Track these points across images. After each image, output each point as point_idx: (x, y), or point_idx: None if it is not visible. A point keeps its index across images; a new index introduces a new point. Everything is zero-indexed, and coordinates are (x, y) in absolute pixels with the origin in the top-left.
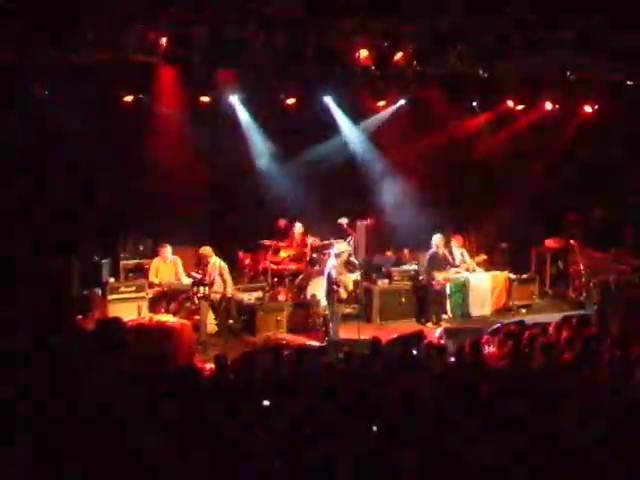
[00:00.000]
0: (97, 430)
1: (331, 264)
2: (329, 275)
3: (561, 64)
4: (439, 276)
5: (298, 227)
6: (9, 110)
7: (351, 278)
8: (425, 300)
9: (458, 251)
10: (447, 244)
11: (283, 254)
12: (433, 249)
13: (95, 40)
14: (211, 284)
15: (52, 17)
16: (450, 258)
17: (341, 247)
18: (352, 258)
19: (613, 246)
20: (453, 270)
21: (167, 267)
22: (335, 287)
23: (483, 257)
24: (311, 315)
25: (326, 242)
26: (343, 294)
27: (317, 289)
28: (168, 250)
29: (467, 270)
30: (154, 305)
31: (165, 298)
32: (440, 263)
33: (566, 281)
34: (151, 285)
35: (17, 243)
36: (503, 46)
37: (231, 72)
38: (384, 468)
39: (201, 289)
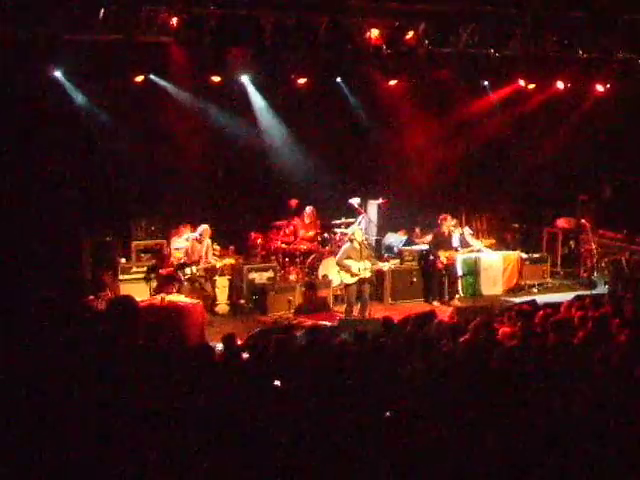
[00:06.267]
0: (115, 409)
1: (343, 247)
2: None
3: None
4: (443, 255)
5: (309, 208)
6: (22, 91)
7: (365, 265)
8: (430, 279)
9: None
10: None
11: (297, 233)
12: (438, 229)
13: (107, 20)
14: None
15: None
16: (455, 239)
17: (355, 232)
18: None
19: (625, 225)
20: (463, 250)
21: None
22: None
23: (491, 241)
24: (322, 295)
25: (338, 222)
26: (347, 279)
27: (328, 269)
28: (189, 230)
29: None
30: (163, 285)
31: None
32: (445, 242)
33: (577, 261)
34: (171, 264)
35: (29, 225)
36: (514, 25)
37: (242, 52)
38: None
39: (187, 270)
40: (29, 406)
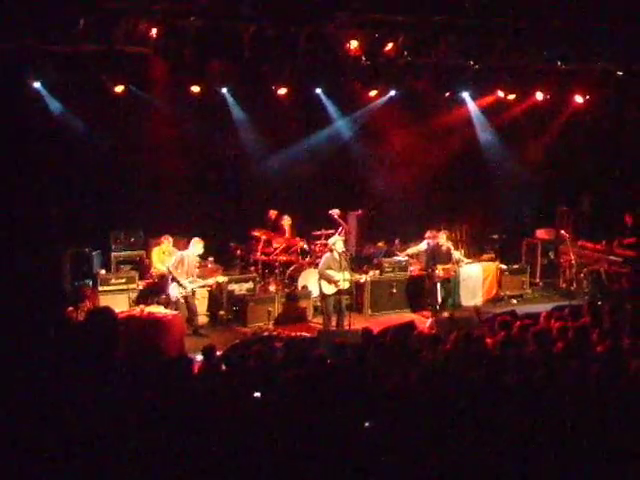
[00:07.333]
0: (92, 419)
1: (323, 257)
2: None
3: (551, 54)
4: (440, 268)
5: (286, 219)
6: (0, 102)
7: (344, 276)
8: (427, 291)
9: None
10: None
11: (275, 245)
12: (433, 242)
13: (86, 31)
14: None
15: (44, 9)
16: (452, 253)
17: (336, 242)
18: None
19: (604, 236)
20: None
21: (166, 258)
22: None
23: (490, 256)
24: (302, 306)
25: (318, 232)
26: (326, 289)
27: (308, 280)
28: (170, 242)
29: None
30: (145, 297)
31: (156, 289)
32: (442, 256)
33: (557, 272)
34: (150, 275)
35: (8, 235)
36: (493, 37)
37: (222, 63)
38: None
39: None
40: (6, 417)
